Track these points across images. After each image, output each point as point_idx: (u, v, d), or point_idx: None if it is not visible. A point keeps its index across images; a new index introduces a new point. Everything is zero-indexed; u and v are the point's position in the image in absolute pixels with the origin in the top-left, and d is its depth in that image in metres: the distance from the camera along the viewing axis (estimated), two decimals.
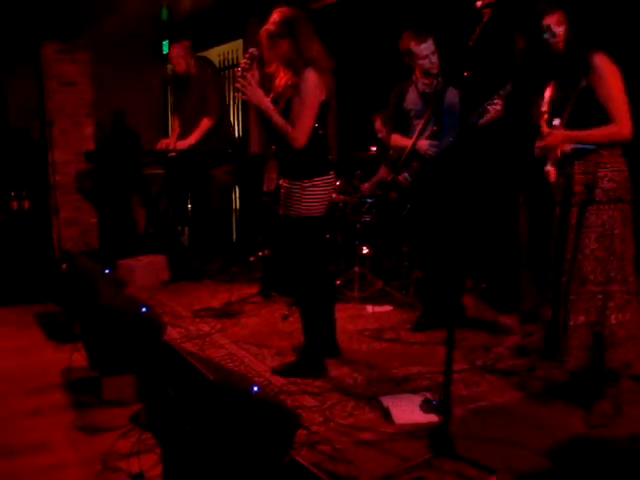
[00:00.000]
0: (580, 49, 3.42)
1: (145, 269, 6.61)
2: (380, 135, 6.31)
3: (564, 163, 3.50)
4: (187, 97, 6.88)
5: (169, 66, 7.13)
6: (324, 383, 4.01)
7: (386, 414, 3.56)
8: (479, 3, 3.05)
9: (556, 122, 3.49)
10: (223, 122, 7.00)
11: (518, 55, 3.82)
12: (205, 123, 6.77)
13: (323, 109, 4.01)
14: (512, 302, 5.16)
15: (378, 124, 6.35)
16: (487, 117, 4.55)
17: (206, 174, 6.93)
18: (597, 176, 3.40)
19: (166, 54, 10.11)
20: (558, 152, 3.52)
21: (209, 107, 6.78)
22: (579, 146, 3.45)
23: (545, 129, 3.55)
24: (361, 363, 4.34)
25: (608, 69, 3.37)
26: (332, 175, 4.12)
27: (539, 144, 3.58)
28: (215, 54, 9.46)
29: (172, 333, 4.96)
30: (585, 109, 3.41)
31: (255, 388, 2.55)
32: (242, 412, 2.48)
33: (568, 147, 3.48)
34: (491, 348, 4.57)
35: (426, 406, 3.56)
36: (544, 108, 3.61)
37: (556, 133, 3.49)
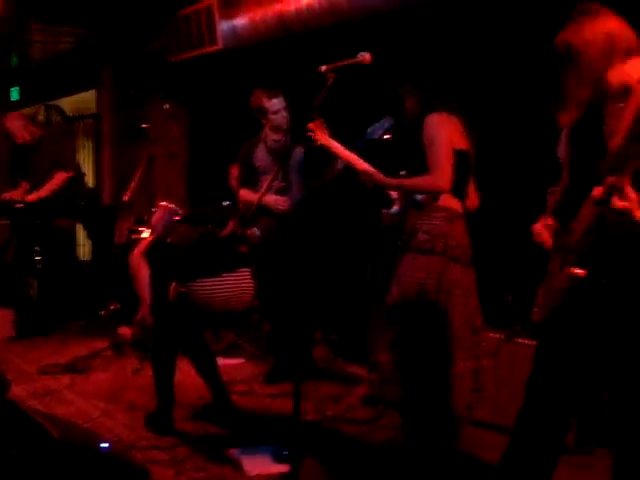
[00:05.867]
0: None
1: None
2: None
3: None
4: (37, 159, 6.62)
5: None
6: (175, 438, 3.97)
7: (238, 466, 3.58)
8: (324, 67, 3.24)
9: (402, 172, 3.56)
10: (77, 175, 6.86)
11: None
12: (60, 176, 6.56)
13: None
14: (362, 352, 5.31)
15: (234, 171, 6.34)
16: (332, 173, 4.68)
17: (51, 224, 6.74)
18: (415, 227, 3.48)
19: (16, 101, 9.85)
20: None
21: (64, 161, 6.61)
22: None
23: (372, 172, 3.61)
24: (212, 416, 4.33)
25: (430, 123, 3.41)
26: None
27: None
28: (67, 103, 9.32)
29: (17, 391, 4.75)
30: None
31: (103, 445, 2.53)
32: (89, 469, 2.45)
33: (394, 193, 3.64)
34: (342, 398, 4.68)
35: (277, 456, 3.60)
36: None
37: (374, 177, 3.55)
